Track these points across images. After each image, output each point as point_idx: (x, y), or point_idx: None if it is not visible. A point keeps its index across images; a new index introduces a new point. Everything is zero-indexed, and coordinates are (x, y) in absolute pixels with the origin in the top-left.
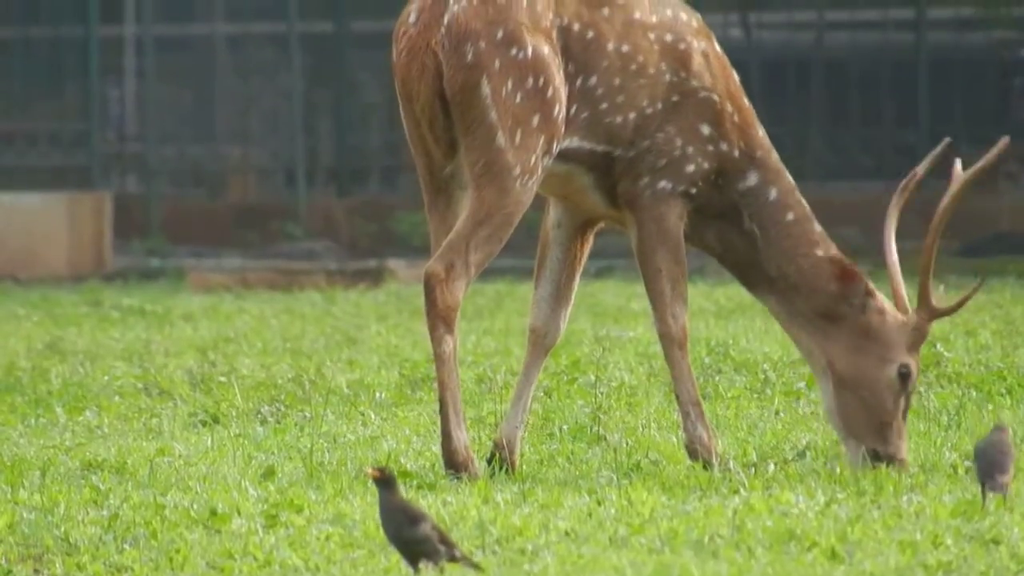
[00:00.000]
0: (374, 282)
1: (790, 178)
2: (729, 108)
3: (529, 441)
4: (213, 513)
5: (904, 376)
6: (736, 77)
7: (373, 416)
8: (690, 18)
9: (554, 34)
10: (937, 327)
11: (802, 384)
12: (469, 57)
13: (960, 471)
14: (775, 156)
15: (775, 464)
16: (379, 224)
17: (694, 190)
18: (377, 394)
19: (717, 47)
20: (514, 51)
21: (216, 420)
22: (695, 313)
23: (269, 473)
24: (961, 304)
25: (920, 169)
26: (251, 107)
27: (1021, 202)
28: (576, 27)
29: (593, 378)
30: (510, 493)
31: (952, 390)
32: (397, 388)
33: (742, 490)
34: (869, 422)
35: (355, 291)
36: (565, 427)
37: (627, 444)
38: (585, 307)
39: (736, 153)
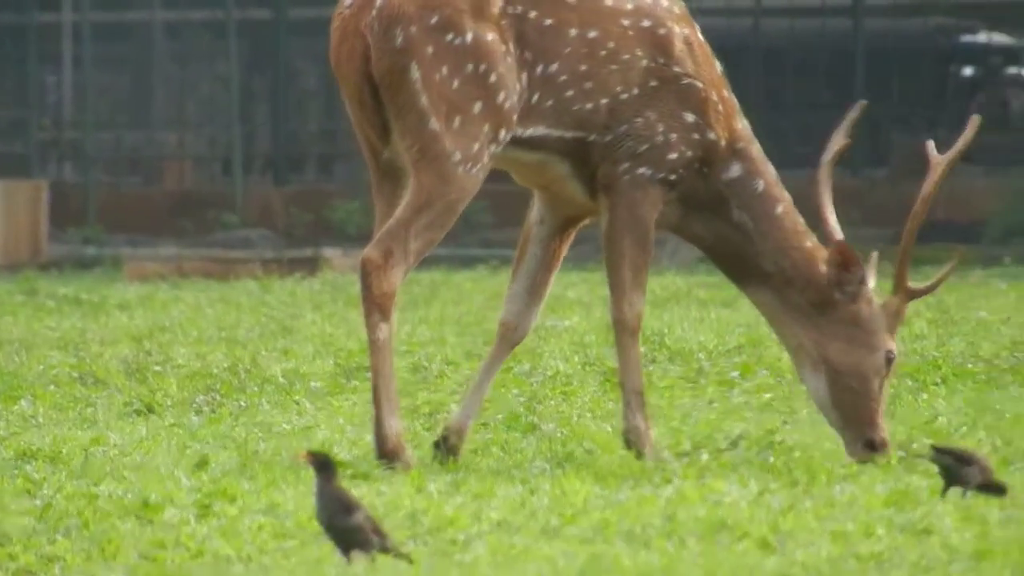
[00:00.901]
0: (310, 271)
1: (773, 170)
2: (714, 97)
3: None
4: (146, 503)
5: (890, 361)
6: (719, 67)
7: (308, 405)
8: (672, 5)
9: (504, 22)
10: None
11: (735, 374)
12: (398, 41)
13: (893, 460)
14: (758, 147)
15: (708, 454)
16: (315, 213)
17: (674, 177)
18: (312, 383)
19: (700, 35)
20: (450, 37)
21: (151, 409)
22: None
23: (203, 463)
24: (937, 284)
25: (842, 136)
26: (188, 94)
27: (956, 191)
28: (532, 15)
29: (528, 367)
30: (443, 483)
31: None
32: (332, 377)
33: (675, 480)
34: (864, 411)
35: (291, 280)
36: (499, 416)
37: (561, 434)
38: None
39: (722, 143)
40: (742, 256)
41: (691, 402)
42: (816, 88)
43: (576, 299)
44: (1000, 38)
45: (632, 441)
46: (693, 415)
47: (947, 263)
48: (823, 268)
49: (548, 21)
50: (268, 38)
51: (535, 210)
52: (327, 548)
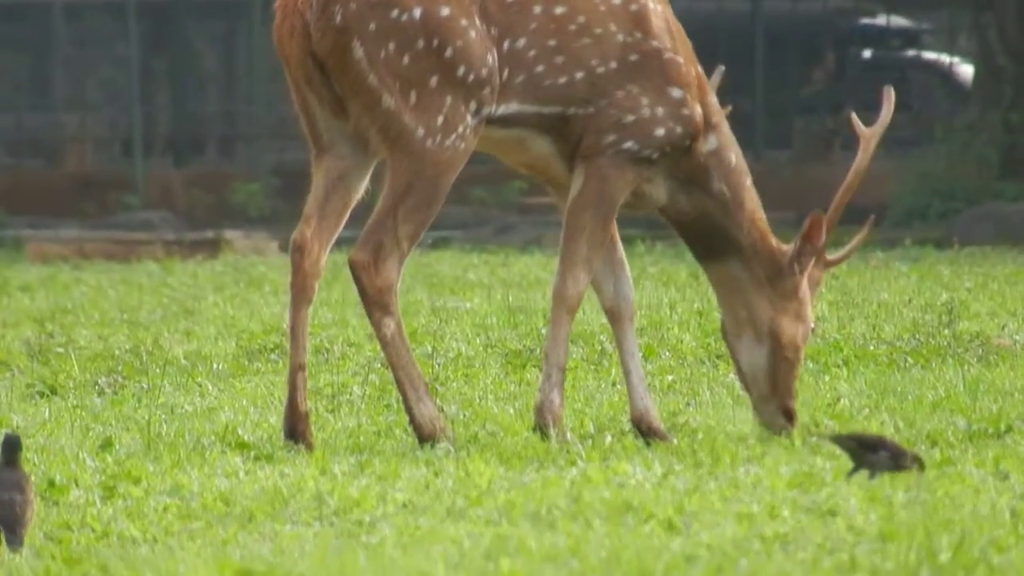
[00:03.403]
0: (211, 253)
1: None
2: (693, 72)
3: (366, 413)
4: (51, 484)
5: (812, 331)
6: (689, 43)
7: (210, 387)
8: None
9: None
10: None
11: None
12: (337, 19)
13: (797, 442)
14: (727, 123)
15: (612, 436)
16: (216, 195)
17: (656, 156)
18: (214, 365)
19: (671, 13)
20: (395, 13)
21: (54, 391)
22: (531, 284)
23: (107, 444)
24: (851, 252)
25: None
26: (88, 76)
27: None
28: None
29: (430, 349)
30: (347, 464)
31: None
32: (234, 359)
33: (579, 461)
34: (789, 381)
35: (192, 262)
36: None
37: (464, 416)
38: (422, 278)
39: (698, 111)
40: (720, 229)
41: (594, 384)
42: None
43: (477, 281)
44: (899, 20)
45: (542, 414)
46: (597, 397)
47: (838, 245)
48: (773, 241)
49: None
50: (168, 20)
51: (559, 201)
52: (233, 530)
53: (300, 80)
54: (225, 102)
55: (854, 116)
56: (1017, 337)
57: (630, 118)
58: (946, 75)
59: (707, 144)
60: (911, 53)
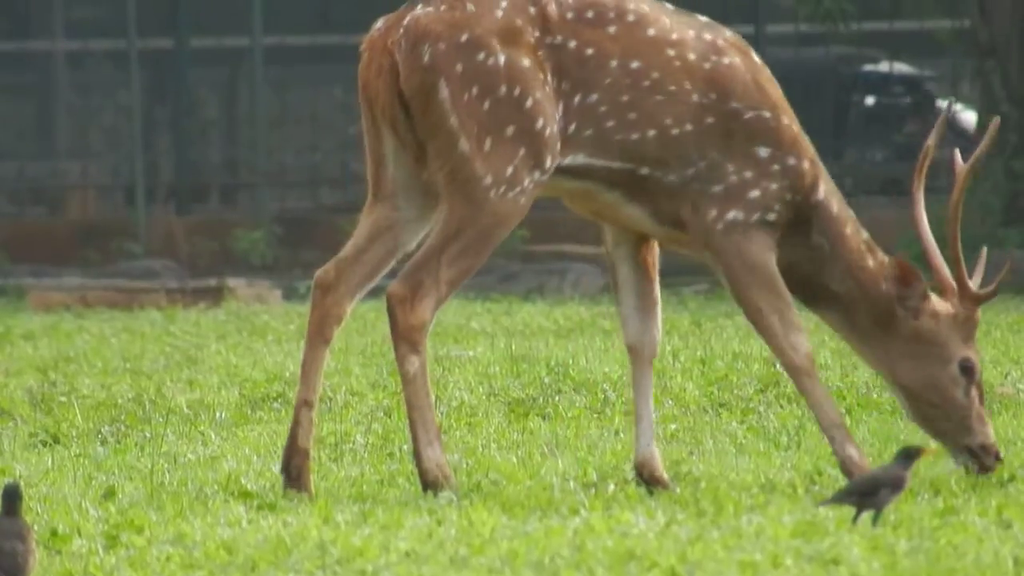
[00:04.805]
0: (214, 301)
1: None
2: (784, 120)
3: (369, 462)
4: (54, 533)
5: (967, 369)
6: (778, 87)
7: (213, 436)
8: (716, 37)
9: (541, 52)
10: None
11: None
12: (426, 58)
13: (800, 491)
14: (822, 165)
15: (615, 484)
16: (218, 242)
17: (772, 216)
18: (217, 414)
19: (756, 59)
20: (481, 56)
21: (56, 440)
22: (534, 332)
23: (110, 493)
24: (997, 288)
25: (931, 141)
26: (90, 124)
27: (865, 222)
28: (572, 44)
29: (433, 397)
30: (350, 513)
31: (791, 410)
32: (237, 408)
33: (582, 510)
34: (949, 421)
35: (195, 310)
36: (406, 447)
37: (467, 464)
38: None
39: (805, 164)
40: (814, 279)
41: (597, 432)
42: None
43: (480, 329)
44: (902, 67)
45: (851, 470)
46: (600, 445)
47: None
48: (884, 286)
49: (589, 51)
50: (170, 68)
51: (608, 236)
52: None
53: (384, 122)
54: (227, 150)
55: (957, 152)
56: (1020, 386)
57: (717, 188)
58: (949, 122)
59: (817, 194)
60: (914, 100)
